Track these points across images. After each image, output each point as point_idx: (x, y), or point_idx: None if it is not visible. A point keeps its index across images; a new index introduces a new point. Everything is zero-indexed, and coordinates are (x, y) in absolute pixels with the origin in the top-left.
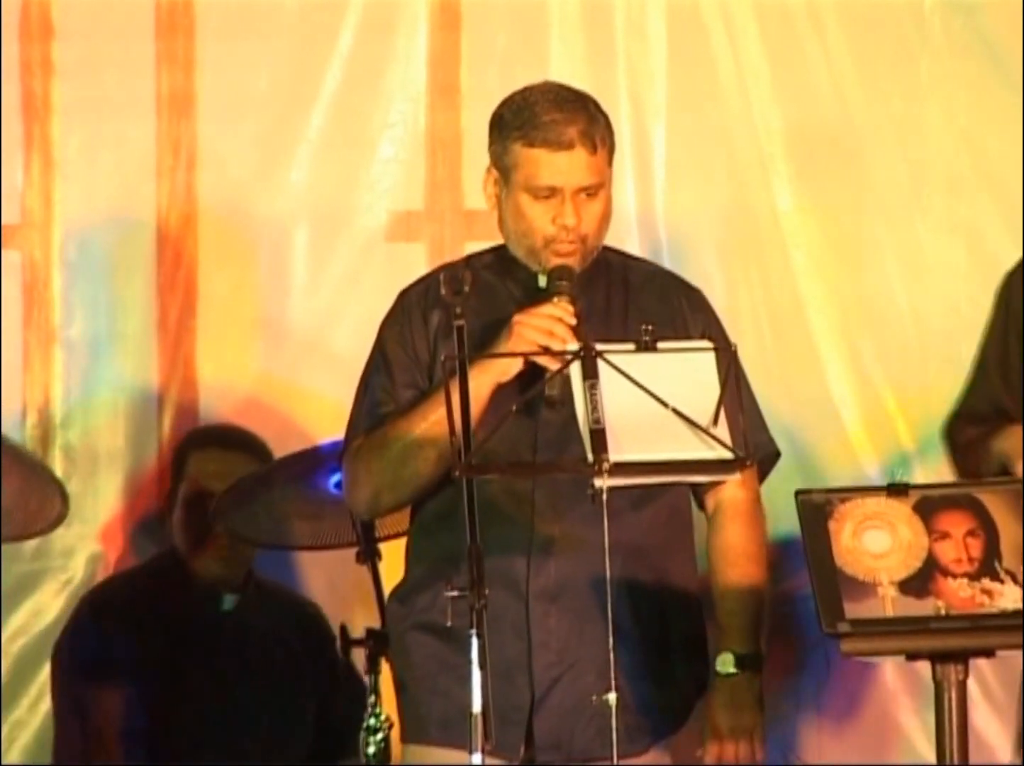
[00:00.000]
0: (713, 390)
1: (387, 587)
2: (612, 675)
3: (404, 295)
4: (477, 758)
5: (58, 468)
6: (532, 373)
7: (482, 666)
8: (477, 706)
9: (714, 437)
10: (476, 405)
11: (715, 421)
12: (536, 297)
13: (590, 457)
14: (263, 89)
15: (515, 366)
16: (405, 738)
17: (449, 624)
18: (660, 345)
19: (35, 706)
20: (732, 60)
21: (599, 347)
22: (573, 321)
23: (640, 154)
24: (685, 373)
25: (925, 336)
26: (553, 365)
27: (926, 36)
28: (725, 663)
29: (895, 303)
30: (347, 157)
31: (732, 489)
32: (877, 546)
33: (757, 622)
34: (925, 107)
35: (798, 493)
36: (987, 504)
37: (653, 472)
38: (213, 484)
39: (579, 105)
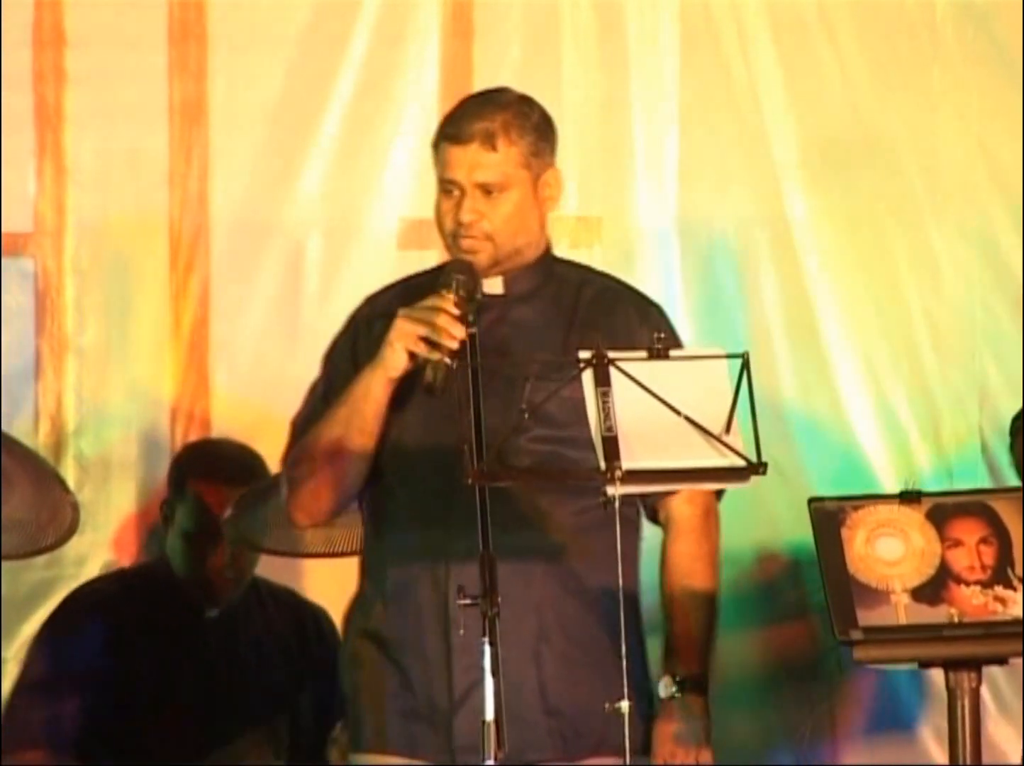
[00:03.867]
0: (725, 397)
1: None
2: (624, 682)
3: (359, 305)
4: (490, 762)
5: (71, 476)
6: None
7: (495, 674)
8: (490, 714)
9: (726, 445)
10: (372, 403)
11: (727, 429)
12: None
13: (602, 465)
14: (275, 97)
15: (400, 360)
16: (353, 746)
17: (462, 633)
18: (672, 353)
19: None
20: (745, 68)
21: (611, 355)
22: (456, 312)
23: (653, 163)
24: (697, 380)
25: (939, 343)
26: (433, 355)
27: (939, 43)
28: (666, 686)
29: (909, 310)
30: (359, 165)
31: (679, 504)
32: (890, 553)
33: (701, 642)
34: (938, 114)
35: (811, 501)
36: (1000, 512)
37: (665, 480)
38: (212, 517)
39: (501, 107)
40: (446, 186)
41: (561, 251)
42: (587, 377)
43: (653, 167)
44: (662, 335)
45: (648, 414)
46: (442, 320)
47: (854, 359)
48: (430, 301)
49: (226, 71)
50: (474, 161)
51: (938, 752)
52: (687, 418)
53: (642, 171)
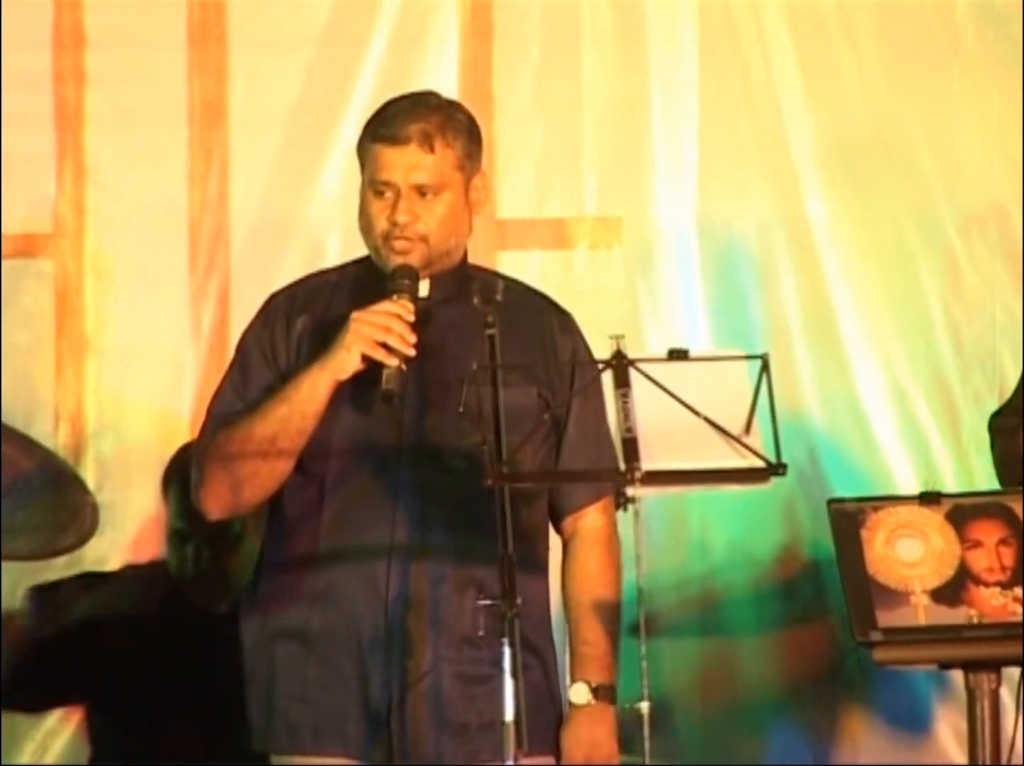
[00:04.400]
0: (744, 398)
1: None
2: (645, 684)
3: (272, 298)
4: (510, 762)
5: (90, 478)
6: (370, 370)
7: (514, 675)
8: (509, 714)
9: (746, 445)
10: (314, 403)
11: (747, 429)
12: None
13: (622, 466)
14: (295, 98)
15: (351, 363)
16: (271, 749)
17: (481, 633)
18: (692, 354)
19: (67, 715)
20: (764, 69)
21: (631, 356)
22: (411, 318)
23: (672, 163)
24: (716, 381)
25: (959, 343)
26: (390, 361)
27: (959, 42)
28: (579, 694)
29: (928, 310)
30: None
31: (594, 515)
32: (909, 554)
33: (613, 651)
34: (958, 114)
35: (830, 502)
36: (1019, 513)
37: (684, 481)
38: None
39: (433, 109)
40: (378, 187)
41: (581, 252)
42: (606, 378)
43: (672, 167)
44: (578, 348)
45: (667, 415)
46: (398, 326)
47: (873, 359)
48: (384, 306)
49: (246, 72)
50: (411, 162)
51: (957, 753)
52: (707, 419)
53: (661, 171)
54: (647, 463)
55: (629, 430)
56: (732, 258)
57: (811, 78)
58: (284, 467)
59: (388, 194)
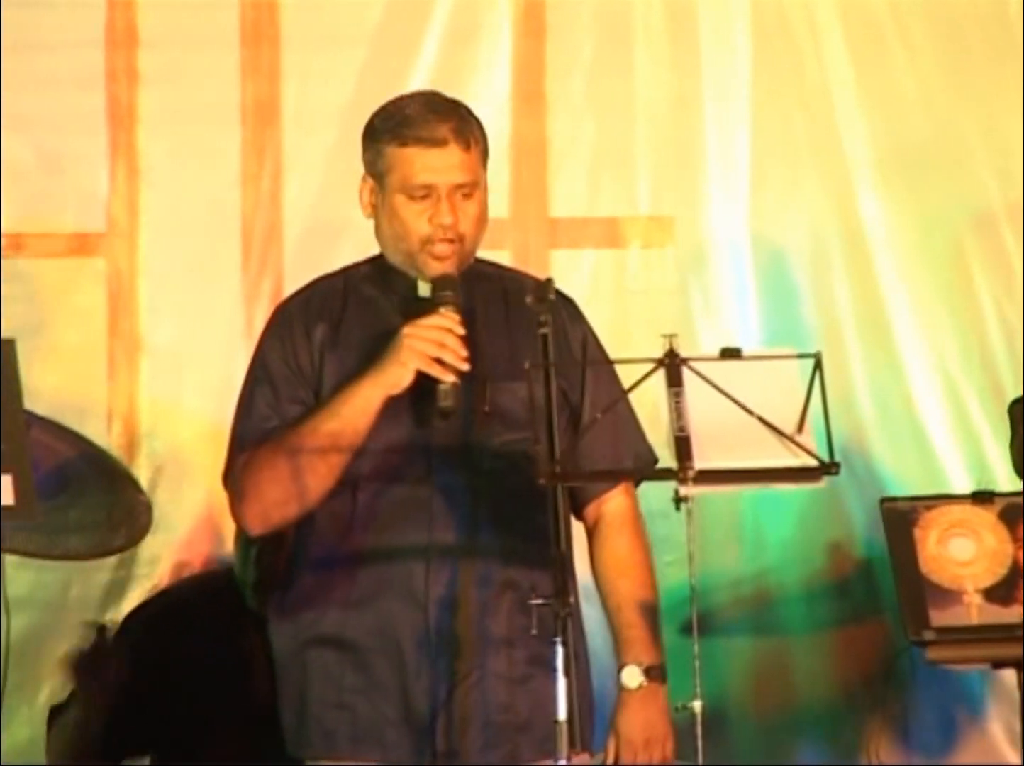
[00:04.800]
0: (797, 397)
1: None
2: (698, 683)
3: (283, 309)
4: (562, 762)
5: (143, 477)
6: (421, 384)
7: (567, 674)
8: (562, 714)
9: (799, 444)
10: (366, 418)
11: (800, 428)
12: (417, 307)
13: (675, 465)
14: (348, 97)
15: (406, 379)
16: (305, 755)
17: (534, 632)
18: (745, 353)
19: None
20: (817, 67)
21: (683, 355)
22: (461, 331)
23: (724, 162)
24: (769, 380)
25: (1012, 343)
26: (447, 377)
27: (1012, 41)
28: (632, 676)
29: (982, 310)
30: None
31: (618, 498)
32: (962, 554)
33: (656, 631)
34: (1011, 112)
35: (883, 501)
36: None
37: (737, 480)
38: None
39: (450, 106)
40: (415, 191)
41: (634, 251)
42: (659, 377)
43: (725, 166)
44: (587, 335)
45: (720, 414)
46: (451, 341)
47: (927, 359)
48: (435, 320)
49: (299, 71)
50: (450, 162)
51: (1010, 751)
52: (759, 418)
53: (714, 171)
54: (700, 462)
55: (682, 429)
56: (785, 257)
57: (864, 77)
58: (332, 481)
59: (427, 197)
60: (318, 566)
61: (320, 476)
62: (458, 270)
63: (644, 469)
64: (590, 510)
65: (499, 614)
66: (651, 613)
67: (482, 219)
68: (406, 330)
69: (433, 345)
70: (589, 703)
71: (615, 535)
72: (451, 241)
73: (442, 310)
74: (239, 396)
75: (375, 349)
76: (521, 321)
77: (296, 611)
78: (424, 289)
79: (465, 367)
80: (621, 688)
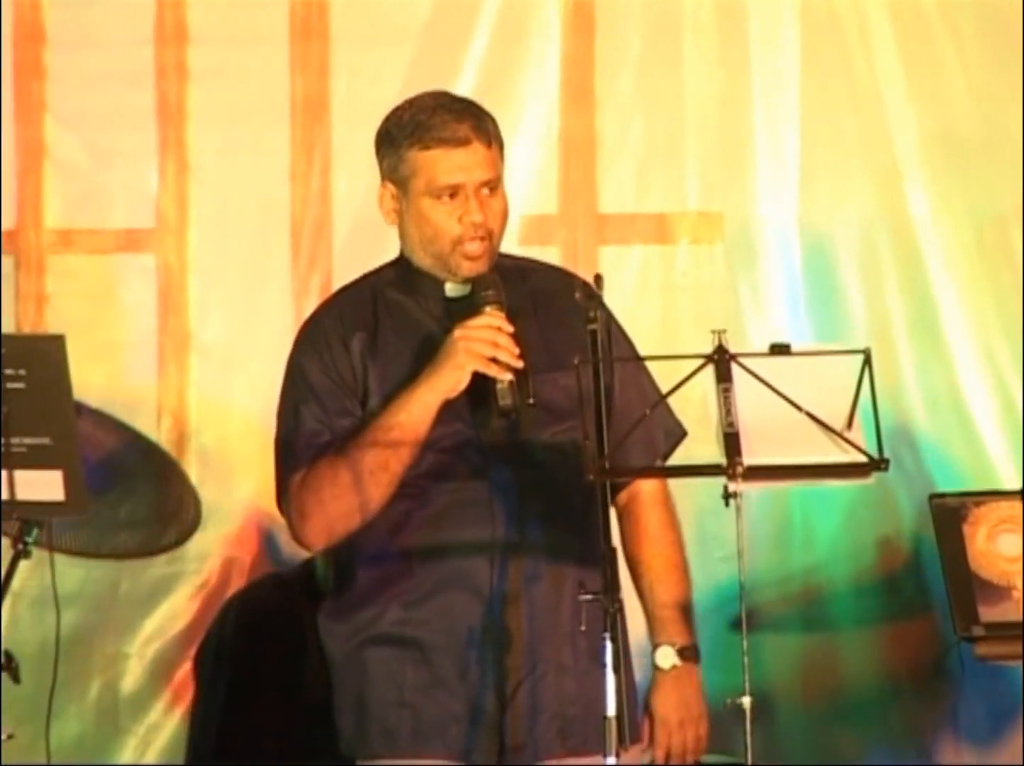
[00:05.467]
0: (846, 393)
1: None
2: (746, 678)
3: (314, 323)
4: (611, 760)
5: (193, 472)
6: (477, 386)
7: (616, 670)
8: (611, 710)
9: (848, 440)
10: (425, 424)
11: (849, 424)
12: (449, 308)
13: (724, 460)
14: (396, 93)
15: (464, 381)
16: (363, 754)
17: (583, 628)
18: (794, 349)
19: (170, 709)
20: (866, 64)
21: (732, 351)
22: (511, 328)
23: (774, 160)
24: (817, 376)
25: None
26: (504, 376)
27: None
28: (666, 657)
29: None
30: None
31: (649, 480)
32: (1012, 549)
33: (689, 612)
34: None
35: (932, 497)
36: None
37: (786, 476)
38: None
39: (464, 105)
40: (442, 192)
41: (682, 247)
42: (708, 373)
43: (774, 163)
44: (610, 319)
45: (769, 410)
46: (504, 340)
47: (976, 355)
48: (485, 320)
49: (348, 68)
50: (474, 161)
51: None
52: (808, 414)
53: (763, 167)
54: (749, 458)
55: (731, 425)
56: (834, 253)
57: (914, 73)
58: (392, 489)
59: (455, 197)
60: (373, 565)
61: (382, 486)
62: (489, 267)
63: (695, 467)
64: (622, 492)
65: (561, 608)
66: (684, 591)
67: (506, 214)
68: (458, 333)
69: (488, 345)
70: (635, 695)
71: (647, 514)
72: (482, 239)
73: (488, 310)
74: (280, 416)
75: (418, 355)
76: (549, 309)
77: (351, 612)
78: (452, 290)
79: (519, 364)
80: (655, 668)
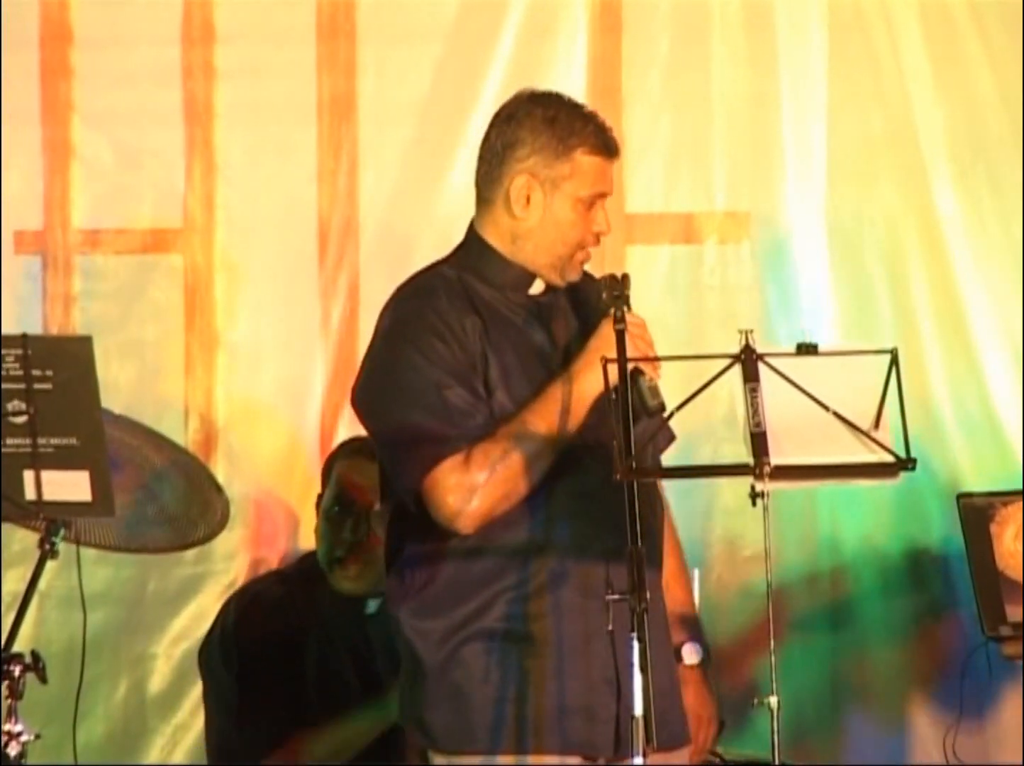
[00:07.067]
0: (873, 392)
1: None
2: (773, 678)
3: (422, 311)
4: (638, 760)
5: (220, 472)
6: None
7: (643, 669)
8: (639, 709)
9: (875, 440)
10: (580, 409)
11: (876, 424)
12: (537, 308)
13: (751, 460)
14: (424, 93)
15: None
16: (465, 748)
17: (610, 628)
18: (821, 348)
19: (197, 709)
20: (894, 61)
21: (760, 350)
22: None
23: (801, 159)
24: (845, 375)
25: None
26: (654, 373)
27: None
28: (694, 653)
29: None
30: None
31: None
32: None
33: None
34: None
35: (960, 496)
36: None
37: (813, 475)
38: (354, 495)
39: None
40: (591, 199)
41: (710, 246)
42: (735, 372)
43: (802, 162)
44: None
45: (796, 409)
46: (648, 337)
47: (1003, 353)
48: (634, 317)
49: (375, 67)
50: (611, 171)
51: None
52: (836, 414)
53: (791, 166)
54: (776, 458)
55: (758, 424)
56: (861, 253)
57: (940, 71)
58: (538, 481)
59: (591, 207)
60: (471, 560)
61: (536, 474)
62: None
63: (721, 467)
64: None
65: (656, 603)
66: (691, 593)
67: None
68: (628, 326)
69: (644, 342)
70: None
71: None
72: (593, 246)
73: (625, 309)
74: (405, 399)
75: (517, 349)
76: (586, 310)
77: (446, 608)
78: (537, 287)
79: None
80: (682, 665)
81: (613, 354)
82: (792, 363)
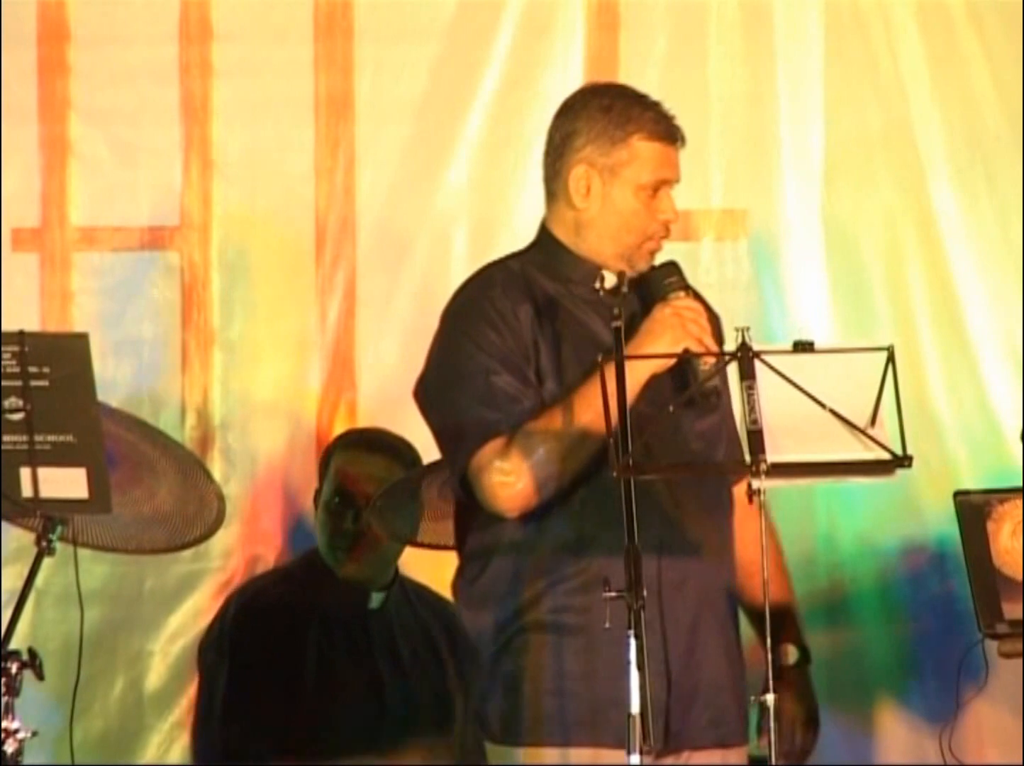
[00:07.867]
0: (870, 390)
1: None
2: (770, 676)
3: (485, 298)
4: (635, 759)
5: (217, 470)
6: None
7: (640, 667)
8: (636, 707)
9: (872, 437)
10: (631, 393)
11: (873, 421)
12: (600, 301)
13: (748, 457)
14: (421, 90)
15: (671, 359)
16: (519, 741)
17: (608, 625)
18: (817, 346)
19: (194, 707)
20: (891, 60)
21: (756, 348)
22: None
23: (798, 154)
24: (841, 373)
25: None
26: (710, 358)
27: None
28: (792, 654)
29: None
30: (505, 158)
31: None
32: None
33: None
34: None
35: (957, 494)
36: None
37: (810, 473)
38: (354, 486)
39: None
40: (653, 186)
41: (707, 244)
42: (732, 370)
43: (799, 160)
44: None
45: (793, 407)
46: (703, 322)
47: (1001, 350)
48: (689, 302)
49: (372, 65)
50: (677, 159)
51: None
52: (832, 411)
53: (788, 164)
54: (773, 455)
55: (755, 422)
56: (858, 251)
57: (938, 69)
58: (585, 465)
59: (656, 194)
60: (521, 553)
61: (580, 460)
62: None
63: (719, 464)
64: (736, 489)
65: (717, 599)
66: (792, 594)
67: None
68: (670, 310)
69: (698, 326)
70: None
71: (750, 518)
72: (662, 237)
73: (681, 294)
74: (454, 384)
75: (572, 341)
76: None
77: (498, 599)
78: (609, 280)
79: (715, 348)
80: (782, 667)
81: (665, 339)
82: (788, 360)
